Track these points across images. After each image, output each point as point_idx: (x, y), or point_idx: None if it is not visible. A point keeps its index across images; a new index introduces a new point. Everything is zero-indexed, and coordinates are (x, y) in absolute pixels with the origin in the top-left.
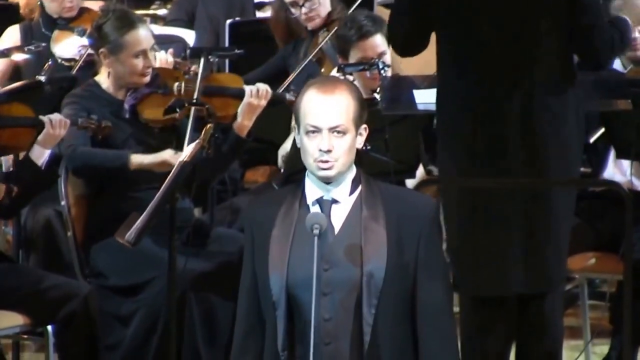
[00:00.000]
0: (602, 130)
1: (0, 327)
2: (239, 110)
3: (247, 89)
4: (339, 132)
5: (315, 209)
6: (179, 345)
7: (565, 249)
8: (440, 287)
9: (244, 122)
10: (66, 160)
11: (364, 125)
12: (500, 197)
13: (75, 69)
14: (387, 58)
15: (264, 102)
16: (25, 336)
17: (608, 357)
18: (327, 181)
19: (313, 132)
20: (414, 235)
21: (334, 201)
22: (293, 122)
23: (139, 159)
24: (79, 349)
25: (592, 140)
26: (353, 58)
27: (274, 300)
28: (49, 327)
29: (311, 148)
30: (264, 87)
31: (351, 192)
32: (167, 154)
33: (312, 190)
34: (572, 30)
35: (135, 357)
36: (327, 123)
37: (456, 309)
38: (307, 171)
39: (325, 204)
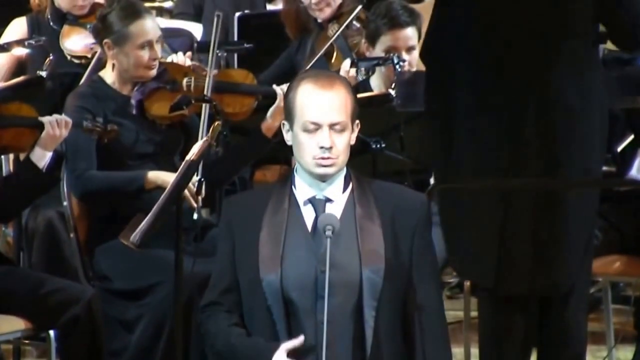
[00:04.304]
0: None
1: (1, 332)
2: (270, 111)
3: (279, 90)
4: (339, 128)
5: (307, 208)
6: (185, 352)
7: (578, 253)
8: (434, 287)
9: (274, 123)
10: (72, 187)
11: (357, 121)
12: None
13: (89, 69)
14: (415, 54)
15: None
16: (27, 341)
17: None
18: (324, 179)
19: (312, 129)
20: (408, 229)
21: (328, 200)
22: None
23: (158, 180)
24: (82, 355)
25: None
26: (381, 45)
27: (268, 305)
28: (52, 332)
29: (310, 145)
30: None
31: (343, 191)
32: None
33: (303, 189)
34: (610, 24)
35: None
36: (328, 119)
37: (474, 313)
38: (295, 168)
39: (318, 204)
